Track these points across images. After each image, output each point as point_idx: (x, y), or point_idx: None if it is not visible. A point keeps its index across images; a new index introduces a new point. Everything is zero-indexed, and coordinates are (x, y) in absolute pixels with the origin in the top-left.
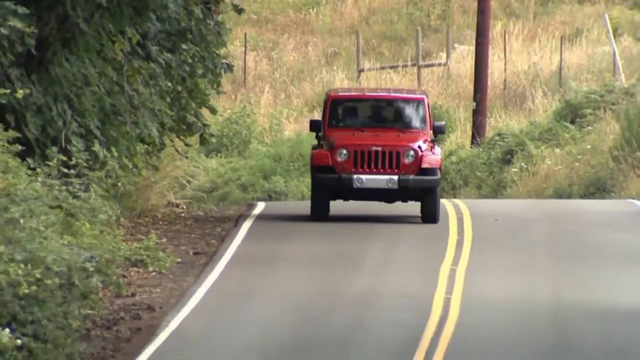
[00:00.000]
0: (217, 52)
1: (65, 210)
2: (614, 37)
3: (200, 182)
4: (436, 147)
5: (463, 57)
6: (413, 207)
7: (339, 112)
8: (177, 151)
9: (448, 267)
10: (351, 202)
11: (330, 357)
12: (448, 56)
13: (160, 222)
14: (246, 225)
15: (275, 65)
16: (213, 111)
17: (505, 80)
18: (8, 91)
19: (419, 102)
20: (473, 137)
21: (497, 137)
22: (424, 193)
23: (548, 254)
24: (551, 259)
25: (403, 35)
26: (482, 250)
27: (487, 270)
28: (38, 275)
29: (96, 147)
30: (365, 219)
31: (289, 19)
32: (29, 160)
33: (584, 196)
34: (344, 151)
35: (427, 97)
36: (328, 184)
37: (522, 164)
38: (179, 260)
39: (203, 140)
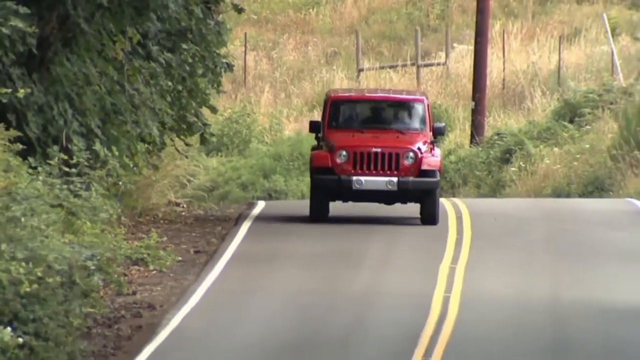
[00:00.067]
0: (218, 51)
1: (66, 209)
2: (612, 36)
3: (200, 181)
4: (436, 148)
5: (462, 56)
6: (412, 209)
7: (339, 113)
8: (178, 150)
9: (447, 266)
10: (350, 203)
11: (330, 356)
12: (447, 56)
13: (161, 221)
14: (246, 224)
15: (275, 64)
16: (213, 110)
17: (504, 80)
18: (9, 90)
19: (418, 104)
20: (472, 136)
21: (496, 137)
22: (424, 195)
23: (547, 252)
24: (550, 257)
25: (402, 35)
26: (481, 249)
27: (486, 268)
28: (39, 274)
29: (97, 146)
30: (365, 218)
31: (289, 19)
32: (30, 159)
33: (582, 195)
34: (344, 152)
35: (427, 99)
36: (327, 186)
37: (521, 163)
38: (180, 258)
39: (203, 140)
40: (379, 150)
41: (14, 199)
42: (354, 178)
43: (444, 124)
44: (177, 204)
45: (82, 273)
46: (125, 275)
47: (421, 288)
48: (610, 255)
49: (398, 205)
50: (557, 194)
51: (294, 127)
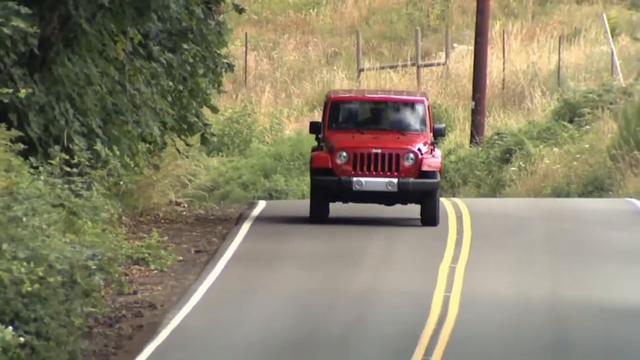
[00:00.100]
0: (218, 51)
1: (67, 209)
2: (612, 36)
3: (201, 180)
4: (436, 149)
5: (462, 56)
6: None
7: (339, 114)
8: (178, 151)
9: (447, 265)
10: (350, 204)
11: (331, 354)
12: (447, 56)
13: (162, 221)
14: (247, 224)
15: (276, 65)
16: (214, 110)
17: (504, 80)
18: (11, 91)
19: (419, 105)
20: (472, 136)
21: (496, 137)
22: (424, 196)
23: (546, 252)
24: (549, 257)
25: (403, 35)
26: (481, 249)
27: (486, 268)
28: (41, 273)
29: (98, 146)
30: (365, 218)
31: (289, 19)
32: (32, 159)
33: (582, 195)
34: (344, 153)
35: (427, 99)
36: (327, 187)
37: (521, 163)
38: (181, 258)
39: (204, 140)
40: (379, 151)
41: (15, 199)
42: (354, 179)
43: (444, 125)
44: (178, 204)
45: (83, 273)
46: (126, 274)
47: (421, 287)
48: (610, 255)
49: (398, 206)
50: (557, 193)
51: (295, 127)
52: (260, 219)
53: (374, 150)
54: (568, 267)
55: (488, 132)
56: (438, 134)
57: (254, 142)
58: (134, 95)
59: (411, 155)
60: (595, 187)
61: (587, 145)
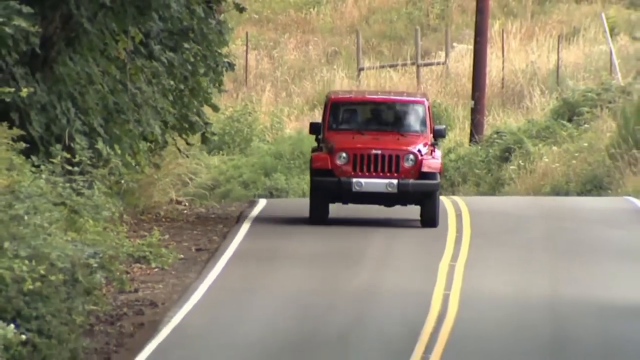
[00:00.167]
0: (219, 51)
1: (69, 207)
2: (611, 36)
3: (202, 179)
4: (436, 150)
5: (462, 56)
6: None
7: (339, 114)
8: (179, 150)
9: (447, 264)
10: (350, 205)
11: (331, 353)
12: (447, 55)
13: (163, 219)
14: (248, 222)
15: (277, 64)
16: (215, 109)
17: (503, 79)
18: (12, 90)
19: (419, 105)
20: (471, 135)
21: (495, 135)
22: (424, 197)
23: (545, 250)
24: (548, 255)
25: (402, 35)
26: (481, 247)
27: (486, 266)
28: (42, 272)
29: (99, 145)
30: (364, 217)
31: (289, 19)
32: (33, 158)
33: (581, 193)
34: (344, 154)
35: (428, 100)
36: (327, 188)
37: (520, 161)
38: (182, 256)
39: (204, 140)
40: (379, 152)
41: (17, 197)
42: (354, 180)
43: (444, 126)
44: (179, 202)
45: (84, 271)
46: (127, 273)
47: (421, 286)
48: (609, 253)
49: (398, 207)
50: (556, 192)
51: (295, 125)
52: (260, 217)
53: (373, 151)
54: (567, 265)
55: (487, 131)
56: (438, 135)
57: (255, 141)
58: (135, 94)
59: (411, 156)
60: (594, 186)
61: (586, 144)
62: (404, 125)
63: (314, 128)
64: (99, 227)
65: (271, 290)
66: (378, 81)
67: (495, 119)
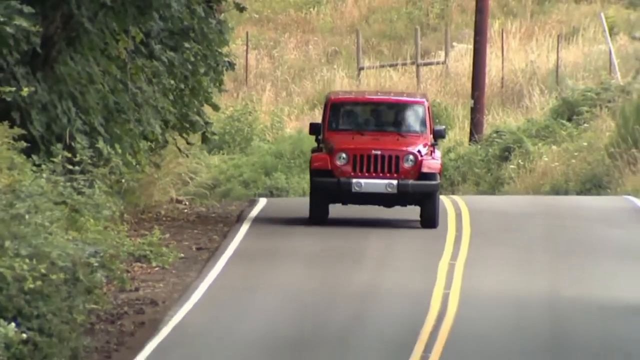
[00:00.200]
0: (219, 50)
1: (69, 206)
2: (610, 35)
3: (202, 178)
4: (436, 151)
5: (461, 55)
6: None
7: (339, 115)
8: (179, 149)
9: (447, 263)
10: (350, 205)
11: (331, 352)
12: (446, 55)
13: (164, 218)
14: (248, 222)
15: (277, 63)
16: (215, 108)
17: (502, 79)
18: (13, 89)
19: (419, 106)
20: (471, 134)
21: (495, 135)
22: (424, 198)
23: (545, 249)
24: (548, 254)
25: (402, 34)
26: (480, 246)
27: (485, 265)
28: (43, 270)
29: (100, 144)
30: (364, 217)
31: (290, 18)
32: (34, 157)
33: (580, 192)
34: (343, 155)
35: (428, 101)
36: (327, 188)
37: (520, 160)
38: (182, 255)
39: (205, 139)
40: (378, 152)
41: (18, 197)
42: (354, 180)
43: (444, 127)
44: (180, 202)
45: (85, 270)
46: (128, 272)
47: (421, 285)
48: (608, 252)
49: (398, 207)
50: (556, 191)
51: (295, 125)
52: (261, 217)
53: (373, 152)
54: (566, 264)
55: (487, 130)
56: (438, 136)
57: (255, 140)
58: (135, 93)
59: (411, 157)
60: (593, 185)
61: (585, 143)
62: (403, 126)
63: (314, 128)
64: (100, 226)
65: (271, 290)
66: (378, 81)
67: (495, 119)
